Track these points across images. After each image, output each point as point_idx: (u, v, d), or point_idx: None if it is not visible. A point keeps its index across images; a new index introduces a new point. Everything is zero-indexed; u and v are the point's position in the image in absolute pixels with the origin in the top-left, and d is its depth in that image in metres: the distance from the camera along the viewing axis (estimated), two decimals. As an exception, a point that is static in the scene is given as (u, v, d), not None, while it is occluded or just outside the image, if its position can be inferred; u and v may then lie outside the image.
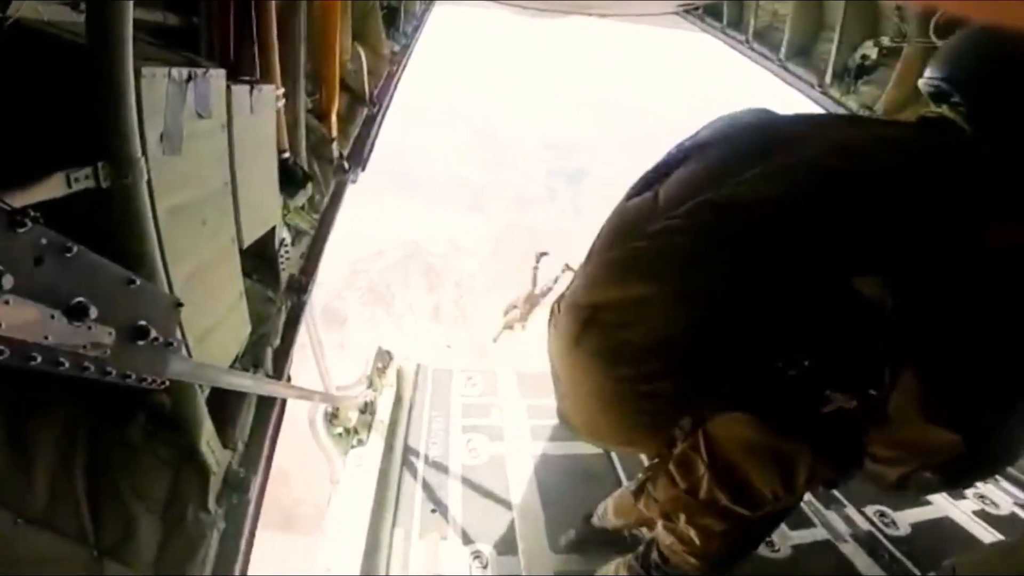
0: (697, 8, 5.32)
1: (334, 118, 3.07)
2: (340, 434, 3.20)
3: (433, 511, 2.63)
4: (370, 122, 3.72)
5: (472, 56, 22.03)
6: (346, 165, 3.22)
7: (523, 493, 2.75)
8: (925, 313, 0.96)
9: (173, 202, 1.28)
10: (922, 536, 2.53)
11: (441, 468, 2.94)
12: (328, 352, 3.25)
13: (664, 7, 5.47)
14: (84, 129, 1.04)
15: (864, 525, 2.56)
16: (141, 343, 1.01)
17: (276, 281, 2.25)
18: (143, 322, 1.02)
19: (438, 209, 15.56)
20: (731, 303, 1.08)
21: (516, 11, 6.46)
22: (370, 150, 3.62)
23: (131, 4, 1.02)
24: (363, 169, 3.50)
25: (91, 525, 1.20)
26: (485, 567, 2.34)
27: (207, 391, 1.52)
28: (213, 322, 1.57)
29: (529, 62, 22.92)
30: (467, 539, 2.47)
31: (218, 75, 1.48)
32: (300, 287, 2.43)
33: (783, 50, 4.22)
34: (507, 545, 2.44)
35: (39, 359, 0.80)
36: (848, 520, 2.60)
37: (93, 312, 0.86)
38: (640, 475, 1.57)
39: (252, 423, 1.79)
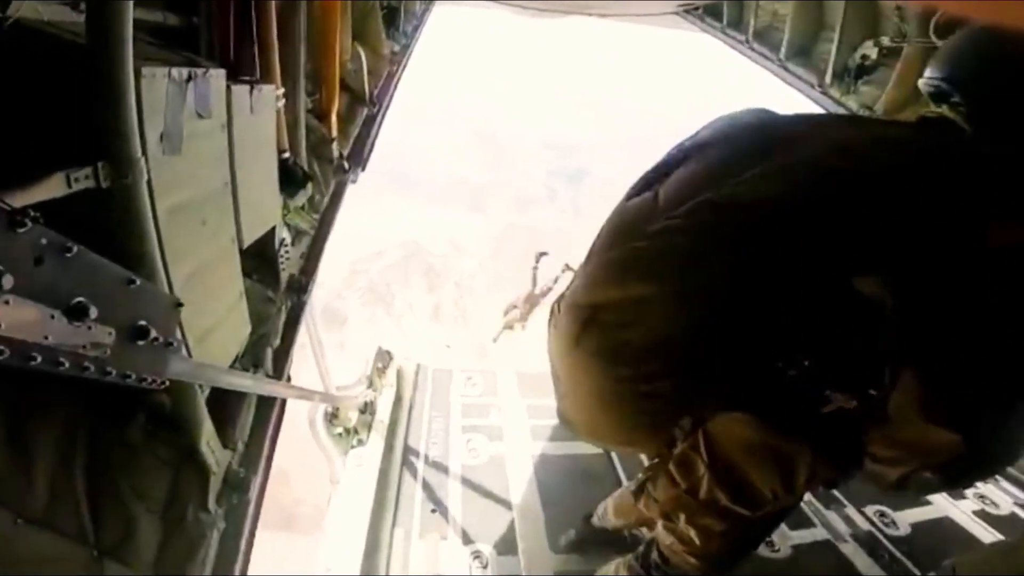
0: (697, 8, 5.32)
1: (334, 118, 3.07)
2: (340, 434, 3.20)
3: (433, 511, 2.63)
4: (370, 122, 3.72)
5: (472, 56, 22.02)
6: (346, 165, 3.22)
7: (523, 493, 2.74)
8: (925, 313, 0.96)
9: (173, 202, 1.28)
10: (922, 536, 2.53)
11: (441, 468, 2.94)
12: (328, 352, 3.25)
13: (664, 7, 5.47)
14: (84, 129, 1.04)
15: (864, 525, 2.56)
16: (141, 343, 1.01)
17: (276, 281, 2.25)
18: (143, 322, 1.02)
19: (438, 209, 15.54)
20: (731, 303, 1.08)
21: (516, 11, 6.46)
22: (370, 150, 3.62)
23: (131, 4, 1.02)
24: (363, 169, 3.50)
25: (91, 525, 1.20)
26: (485, 567, 2.34)
27: (207, 391, 1.52)
28: (213, 322, 1.57)
29: (529, 62, 22.90)
30: (467, 539, 2.47)
31: (218, 75, 1.48)
32: (300, 287, 2.43)
33: (783, 50, 4.21)
34: (507, 545, 2.44)
35: (39, 359, 0.80)
36: (848, 520, 2.59)
37: (93, 312, 0.86)
38: (640, 475, 1.57)
39: (252, 423, 1.79)
